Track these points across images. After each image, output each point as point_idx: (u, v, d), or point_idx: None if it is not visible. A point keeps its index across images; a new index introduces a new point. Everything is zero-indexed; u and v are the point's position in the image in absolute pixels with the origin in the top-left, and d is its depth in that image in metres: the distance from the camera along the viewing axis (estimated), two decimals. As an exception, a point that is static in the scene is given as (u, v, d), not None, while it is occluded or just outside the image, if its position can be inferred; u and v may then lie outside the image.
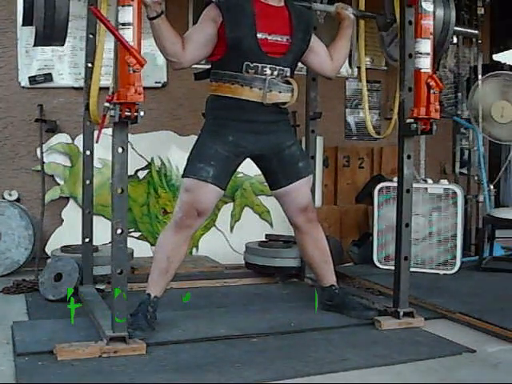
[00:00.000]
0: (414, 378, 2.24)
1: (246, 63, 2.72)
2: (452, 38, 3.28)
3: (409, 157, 2.86)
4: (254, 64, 2.73)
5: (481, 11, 4.59)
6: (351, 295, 3.12)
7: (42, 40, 2.39)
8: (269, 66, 2.75)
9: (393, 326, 2.82)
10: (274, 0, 2.82)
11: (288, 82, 2.82)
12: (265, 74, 2.75)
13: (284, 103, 2.83)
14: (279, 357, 2.41)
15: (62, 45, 2.49)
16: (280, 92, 2.80)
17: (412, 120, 2.78)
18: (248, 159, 2.94)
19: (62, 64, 4.30)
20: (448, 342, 2.65)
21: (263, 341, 2.61)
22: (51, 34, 2.35)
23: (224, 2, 2.72)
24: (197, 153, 2.79)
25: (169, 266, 2.74)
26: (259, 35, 2.72)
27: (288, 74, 2.83)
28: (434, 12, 2.91)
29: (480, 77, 4.66)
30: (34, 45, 2.46)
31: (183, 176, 2.79)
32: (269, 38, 2.75)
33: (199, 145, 2.82)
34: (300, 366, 2.32)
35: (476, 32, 3.49)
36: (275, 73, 2.77)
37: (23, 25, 2.46)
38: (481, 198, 4.71)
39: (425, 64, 2.75)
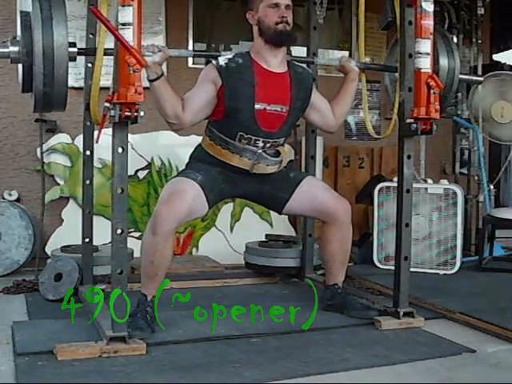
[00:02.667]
0: (414, 378, 2.24)
1: (240, 133, 2.75)
2: (458, 86, 3.27)
3: (409, 157, 2.87)
4: (248, 136, 2.76)
5: (481, 11, 4.59)
6: (352, 295, 3.12)
7: (41, 108, 2.42)
8: (262, 139, 2.78)
9: (393, 326, 2.82)
10: (276, 64, 2.80)
11: (278, 153, 2.85)
12: (257, 146, 2.78)
13: (270, 173, 2.88)
14: (279, 357, 2.41)
15: (63, 110, 2.53)
16: (268, 165, 2.84)
17: (412, 120, 2.78)
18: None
19: (62, 64, 4.29)
20: (448, 342, 2.65)
21: (263, 341, 2.62)
22: (50, 102, 2.38)
23: (224, 69, 2.71)
24: (185, 167, 2.87)
25: (156, 270, 2.67)
26: (257, 106, 2.73)
27: (281, 143, 2.87)
28: (439, 63, 2.95)
29: (480, 75, 4.65)
30: (34, 111, 2.49)
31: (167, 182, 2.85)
32: (267, 108, 2.75)
33: (187, 166, 2.89)
34: (300, 366, 2.32)
35: (481, 79, 3.50)
36: (268, 145, 2.81)
37: (22, 91, 2.46)
38: (481, 198, 4.71)
39: (425, 64, 2.75)
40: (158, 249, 2.63)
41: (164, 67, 4.44)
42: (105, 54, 2.43)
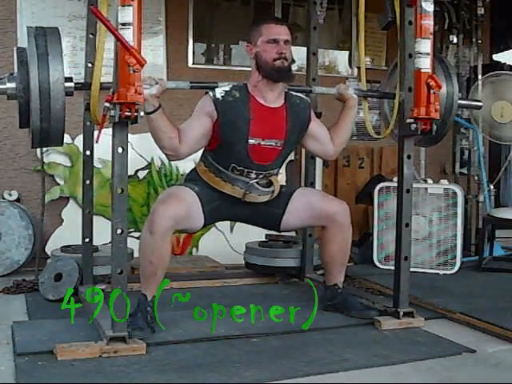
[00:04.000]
0: (414, 378, 2.24)
1: (233, 165, 2.78)
2: (457, 110, 3.25)
3: (409, 157, 2.86)
4: (241, 168, 2.79)
5: (481, 11, 4.59)
6: (352, 295, 3.12)
7: (38, 143, 2.41)
8: (255, 171, 2.81)
9: (393, 326, 2.82)
10: (273, 98, 2.81)
11: (270, 184, 2.87)
12: (249, 177, 2.81)
13: (260, 202, 2.89)
14: (279, 357, 2.41)
15: (61, 145, 2.52)
16: (259, 195, 2.86)
17: (412, 120, 2.78)
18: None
19: (62, 64, 4.29)
20: (448, 342, 2.65)
21: (263, 341, 2.62)
22: (47, 137, 2.37)
23: (221, 102, 2.72)
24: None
25: (155, 269, 2.67)
26: (252, 141, 2.74)
27: (275, 173, 2.89)
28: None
29: (480, 77, 4.66)
30: (32, 147, 2.48)
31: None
32: (262, 143, 2.77)
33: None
34: (300, 366, 2.32)
35: (480, 104, 3.51)
36: (261, 176, 2.83)
37: (20, 127, 2.47)
38: (481, 198, 4.71)
39: (425, 64, 2.75)
40: (156, 248, 2.63)
41: (164, 67, 4.47)
42: (101, 89, 2.42)
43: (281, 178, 2.96)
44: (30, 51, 2.29)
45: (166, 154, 2.77)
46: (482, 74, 4.66)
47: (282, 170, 2.93)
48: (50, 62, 2.27)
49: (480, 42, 4.72)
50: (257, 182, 2.83)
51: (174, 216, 2.63)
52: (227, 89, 2.76)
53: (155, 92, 2.58)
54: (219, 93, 2.74)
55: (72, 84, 2.43)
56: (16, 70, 2.35)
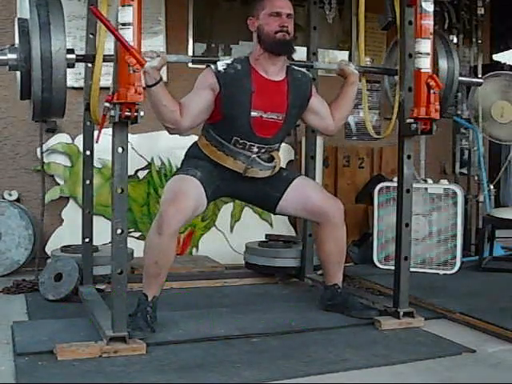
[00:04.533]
0: (414, 378, 2.24)
1: (235, 138, 2.77)
2: (456, 91, 3.25)
3: (409, 157, 2.86)
4: (243, 141, 2.77)
5: (481, 11, 4.59)
6: (352, 295, 3.11)
7: (39, 115, 2.40)
8: (257, 145, 2.80)
9: (393, 326, 2.82)
10: (275, 72, 2.80)
11: (271, 159, 2.87)
12: (251, 151, 2.80)
13: (262, 177, 2.89)
14: (279, 357, 2.41)
15: (61, 117, 2.50)
16: (261, 170, 2.85)
17: (412, 120, 2.78)
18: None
19: (62, 64, 4.30)
20: (448, 342, 2.65)
21: (263, 341, 2.61)
22: (49, 108, 2.35)
23: (223, 75, 2.71)
24: (182, 164, 2.89)
25: (159, 270, 2.67)
26: (254, 113, 2.73)
27: (276, 148, 2.88)
28: (438, 65, 2.95)
29: (480, 77, 4.66)
30: (32, 119, 2.47)
31: (167, 181, 2.85)
32: (264, 116, 2.76)
33: (183, 163, 2.91)
34: (300, 365, 2.32)
35: (481, 81, 3.51)
36: (262, 150, 2.82)
37: (21, 98, 2.45)
38: (481, 198, 4.71)
39: (425, 64, 2.75)
40: (163, 249, 2.63)
41: (164, 68, 4.47)
42: (104, 61, 2.41)
43: (283, 153, 2.92)
44: (32, 21, 2.27)
45: (168, 128, 2.75)
46: (482, 74, 4.66)
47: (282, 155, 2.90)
48: (51, 31, 2.26)
49: (480, 42, 4.73)
50: (258, 157, 2.81)
51: (183, 217, 2.64)
52: (229, 62, 2.75)
53: (156, 64, 2.56)
54: (221, 65, 2.73)
55: (73, 56, 2.41)
56: (17, 41, 2.33)
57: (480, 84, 3.63)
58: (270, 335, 2.68)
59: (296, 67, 2.93)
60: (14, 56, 2.33)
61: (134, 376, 2.17)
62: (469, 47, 4.94)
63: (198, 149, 2.89)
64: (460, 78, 3.16)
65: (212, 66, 2.74)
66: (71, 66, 2.38)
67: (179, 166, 2.95)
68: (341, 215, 2.97)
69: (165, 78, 4.49)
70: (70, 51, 2.38)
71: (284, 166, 3.18)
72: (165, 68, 4.41)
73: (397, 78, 3.04)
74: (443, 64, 3.01)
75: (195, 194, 2.70)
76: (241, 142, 2.77)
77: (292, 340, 2.64)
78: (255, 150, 2.80)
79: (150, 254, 2.67)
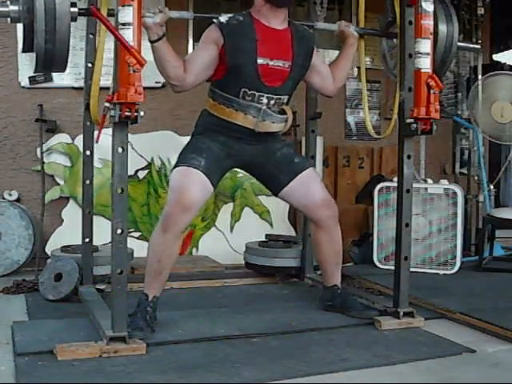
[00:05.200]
0: (414, 378, 2.24)
1: (243, 90, 2.73)
2: (455, 54, 3.25)
3: (409, 157, 2.86)
4: (252, 92, 2.73)
5: (481, 11, 4.59)
6: (352, 295, 3.11)
7: (42, 67, 2.38)
8: (266, 95, 2.75)
9: (393, 326, 2.82)
10: (277, 23, 2.78)
11: (283, 112, 2.83)
12: (261, 103, 2.75)
13: (275, 132, 2.85)
14: (279, 357, 2.41)
15: (63, 71, 2.47)
16: (273, 123, 2.80)
17: (412, 120, 2.77)
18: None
19: (62, 64, 4.30)
20: (448, 342, 2.65)
21: (263, 341, 2.61)
22: (52, 60, 2.33)
23: (226, 26, 2.70)
24: (188, 147, 2.80)
25: (162, 268, 2.69)
26: (260, 61, 2.71)
27: (285, 101, 2.84)
28: (437, 29, 2.93)
29: (480, 77, 4.66)
30: (35, 72, 2.45)
31: (172, 169, 2.77)
32: (270, 63, 2.73)
33: (190, 142, 2.84)
34: (300, 365, 2.32)
35: (478, 47, 3.52)
36: (272, 102, 2.78)
37: (23, 51, 2.44)
38: (481, 198, 4.71)
39: (425, 64, 2.75)
40: (167, 247, 2.66)
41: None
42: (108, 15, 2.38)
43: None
44: None
45: (172, 85, 2.72)
46: (482, 74, 4.66)
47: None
48: None
49: (480, 41, 4.71)
50: (269, 108, 2.77)
51: (191, 216, 2.67)
52: (231, 15, 2.75)
53: (159, 20, 2.55)
54: (224, 18, 2.72)
55: (76, 9, 2.37)
56: None
57: (477, 50, 3.64)
58: (270, 335, 2.67)
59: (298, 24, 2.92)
60: (15, 8, 2.29)
61: (133, 376, 2.17)
62: (469, 47, 4.93)
63: (207, 113, 2.84)
64: (458, 44, 3.16)
65: (215, 21, 2.73)
66: (74, 19, 2.34)
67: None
68: (333, 220, 2.96)
69: (162, 80, 4.51)
70: (73, 4, 2.33)
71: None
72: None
73: (396, 40, 3.05)
74: (443, 28, 3.00)
75: (200, 189, 2.68)
76: (249, 93, 2.73)
77: (292, 340, 2.64)
78: (264, 100, 2.75)
79: (154, 252, 2.68)
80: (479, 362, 2.42)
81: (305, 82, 3.03)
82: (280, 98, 2.80)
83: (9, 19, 2.32)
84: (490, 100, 4.52)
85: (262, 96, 2.74)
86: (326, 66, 3.01)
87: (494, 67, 4.97)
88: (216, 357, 2.40)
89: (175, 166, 2.75)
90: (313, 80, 2.99)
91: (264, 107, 2.75)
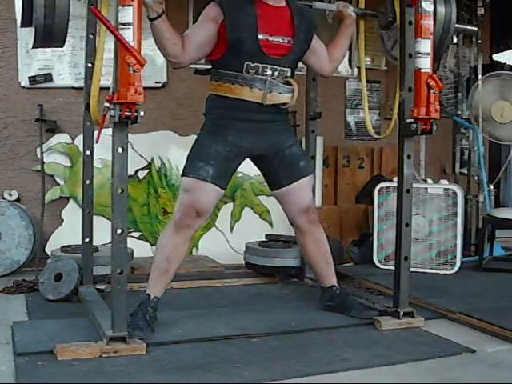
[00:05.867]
0: (414, 378, 2.24)
1: (246, 63, 2.72)
2: (453, 36, 3.26)
3: (409, 157, 2.86)
4: (255, 64, 2.72)
5: (481, 11, 4.58)
6: (352, 295, 3.12)
7: (41, 41, 2.38)
8: (269, 66, 2.74)
9: (393, 326, 2.82)
10: (275, 1, 2.80)
11: (288, 83, 2.81)
12: (265, 75, 2.74)
13: (284, 104, 2.83)
14: (279, 357, 2.41)
15: (62, 46, 2.47)
16: (280, 93, 2.79)
17: (412, 120, 2.78)
18: (248, 160, 2.94)
19: (62, 64, 4.31)
20: (448, 342, 2.66)
21: (263, 341, 2.62)
22: (51, 35, 2.33)
23: (225, 2, 2.71)
24: (196, 152, 2.80)
25: (168, 267, 2.74)
26: (260, 36, 2.71)
27: (288, 75, 2.82)
28: (435, 9, 2.92)
29: (480, 77, 4.66)
30: (33, 47, 2.44)
31: (182, 175, 2.79)
32: (270, 38, 2.74)
33: (199, 144, 2.82)
34: (300, 365, 2.32)
35: (475, 29, 3.52)
36: (276, 73, 2.77)
37: (22, 26, 2.45)
38: (481, 198, 4.70)
39: (425, 64, 2.76)
40: (176, 248, 2.74)
41: (164, 67, 4.47)
42: None
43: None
44: None
45: (170, 62, 2.74)
46: (482, 74, 4.65)
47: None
48: None
49: (480, 42, 4.71)
50: (274, 79, 2.77)
51: (198, 226, 2.80)
52: None
53: None
54: None
55: None
56: None
57: (475, 32, 3.63)
58: (270, 335, 2.68)
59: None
60: None
61: (133, 376, 2.17)
62: (469, 47, 4.94)
63: (213, 98, 2.82)
64: (456, 26, 3.17)
65: None
66: None
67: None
68: (315, 222, 3.01)
69: (165, 79, 4.51)
70: None
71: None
72: (164, 70, 4.46)
73: (396, 25, 3.05)
74: (440, 9, 3.00)
75: (211, 197, 2.76)
76: (253, 65, 2.72)
77: (292, 340, 2.65)
78: (269, 72, 2.74)
79: (163, 249, 2.75)
80: (479, 362, 2.42)
81: (302, 62, 3.01)
82: (283, 70, 2.79)
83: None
84: (490, 100, 4.52)
85: (266, 67, 2.74)
86: (323, 46, 3.02)
87: (494, 67, 4.97)
88: (216, 357, 2.40)
89: (184, 172, 2.77)
90: (311, 61, 3.01)
91: (269, 78, 2.75)
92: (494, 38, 5.60)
